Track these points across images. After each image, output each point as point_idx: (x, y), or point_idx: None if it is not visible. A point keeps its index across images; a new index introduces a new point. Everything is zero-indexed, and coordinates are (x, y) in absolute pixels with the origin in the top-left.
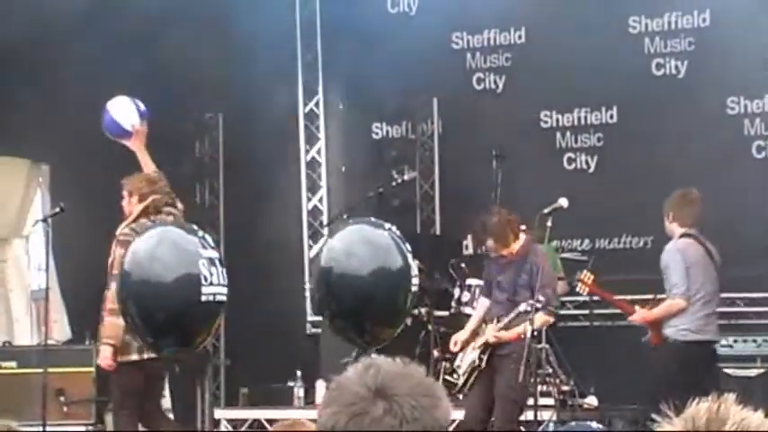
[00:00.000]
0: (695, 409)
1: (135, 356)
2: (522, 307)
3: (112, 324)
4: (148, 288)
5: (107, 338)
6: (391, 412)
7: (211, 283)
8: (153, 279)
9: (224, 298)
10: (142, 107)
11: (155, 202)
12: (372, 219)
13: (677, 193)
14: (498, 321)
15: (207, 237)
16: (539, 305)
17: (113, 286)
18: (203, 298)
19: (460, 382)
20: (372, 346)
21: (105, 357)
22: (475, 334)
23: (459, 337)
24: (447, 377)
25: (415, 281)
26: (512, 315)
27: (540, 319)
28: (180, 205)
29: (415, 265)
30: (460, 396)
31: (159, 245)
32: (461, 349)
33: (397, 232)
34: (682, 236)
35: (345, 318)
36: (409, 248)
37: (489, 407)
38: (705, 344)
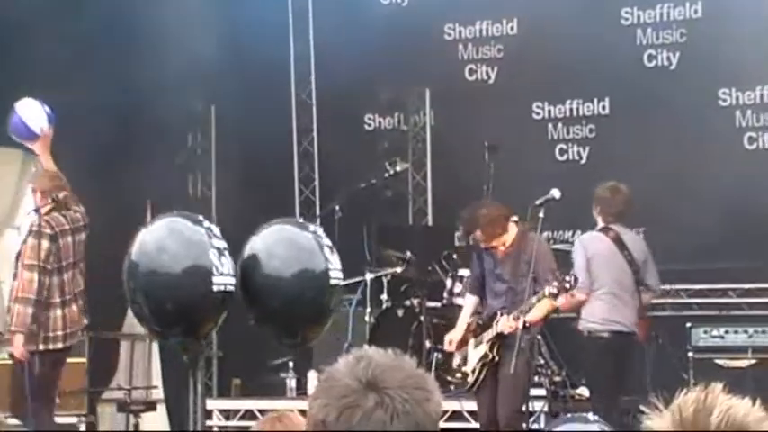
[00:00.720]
0: (683, 400)
1: (41, 347)
2: (548, 290)
3: (21, 313)
4: (158, 279)
5: (16, 327)
6: (383, 406)
7: (222, 273)
8: (161, 270)
9: (233, 288)
10: (49, 111)
11: (65, 199)
12: (299, 220)
13: (604, 186)
14: (502, 314)
15: (213, 227)
16: (567, 285)
17: (26, 275)
18: (215, 288)
19: (471, 379)
20: (303, 346)
21: (17, 346)
22: (468, 331)
23: (453, 337)
24: (448, 376)
25: (337, 276)
26: (533, 299)
27: (547, 305)
28: (82, 208)
29: (336, 260)
30: (448, 387)
31: (167, 235)
32: (457, 348)
33: (323, 235)
34: (599, 229)
35: (273, 320)
36: (334, 251)
37: None
38: (615, 334)
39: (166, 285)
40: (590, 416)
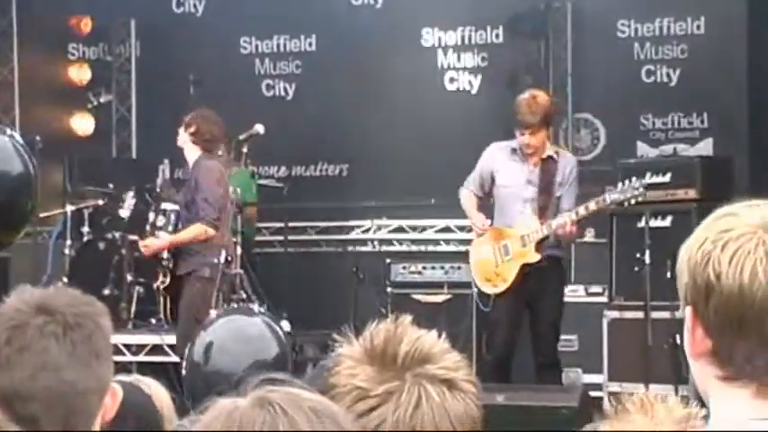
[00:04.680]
0: (375, 330)
1: None
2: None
3: None
4: None
5: None
6: (54, 321)
7: None
8: None
9: None
10: None
11: None
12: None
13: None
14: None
15: None
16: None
17: None
18: None
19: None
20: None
21: None
22: None
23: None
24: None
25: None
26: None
27: (196, 229)
28: None
29: (34, 173)
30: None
31: None
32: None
33: (20, 140)
34: None
35: None
36: (32, 157)
37: None
38: None
39: None
40: (255, 307)
